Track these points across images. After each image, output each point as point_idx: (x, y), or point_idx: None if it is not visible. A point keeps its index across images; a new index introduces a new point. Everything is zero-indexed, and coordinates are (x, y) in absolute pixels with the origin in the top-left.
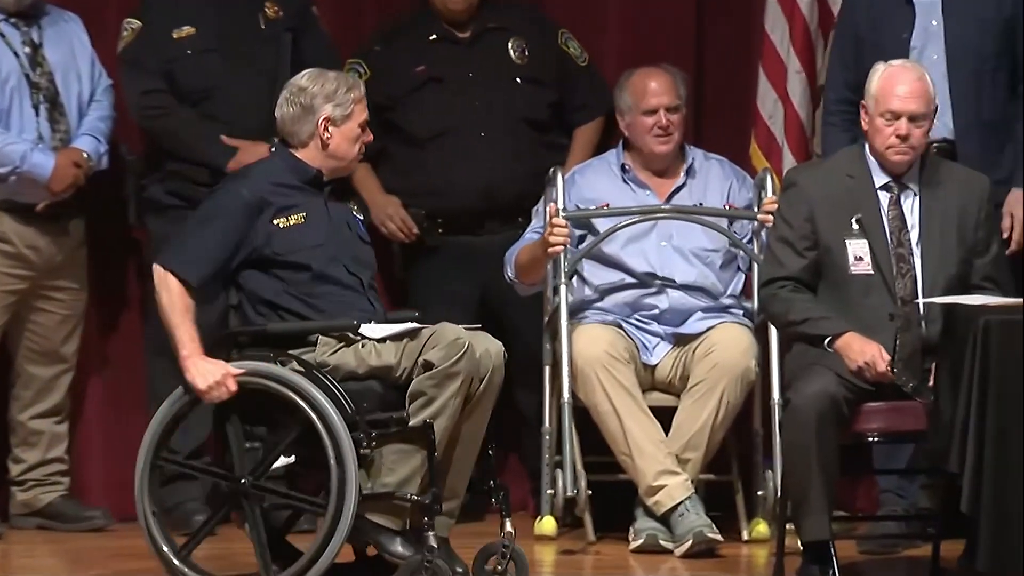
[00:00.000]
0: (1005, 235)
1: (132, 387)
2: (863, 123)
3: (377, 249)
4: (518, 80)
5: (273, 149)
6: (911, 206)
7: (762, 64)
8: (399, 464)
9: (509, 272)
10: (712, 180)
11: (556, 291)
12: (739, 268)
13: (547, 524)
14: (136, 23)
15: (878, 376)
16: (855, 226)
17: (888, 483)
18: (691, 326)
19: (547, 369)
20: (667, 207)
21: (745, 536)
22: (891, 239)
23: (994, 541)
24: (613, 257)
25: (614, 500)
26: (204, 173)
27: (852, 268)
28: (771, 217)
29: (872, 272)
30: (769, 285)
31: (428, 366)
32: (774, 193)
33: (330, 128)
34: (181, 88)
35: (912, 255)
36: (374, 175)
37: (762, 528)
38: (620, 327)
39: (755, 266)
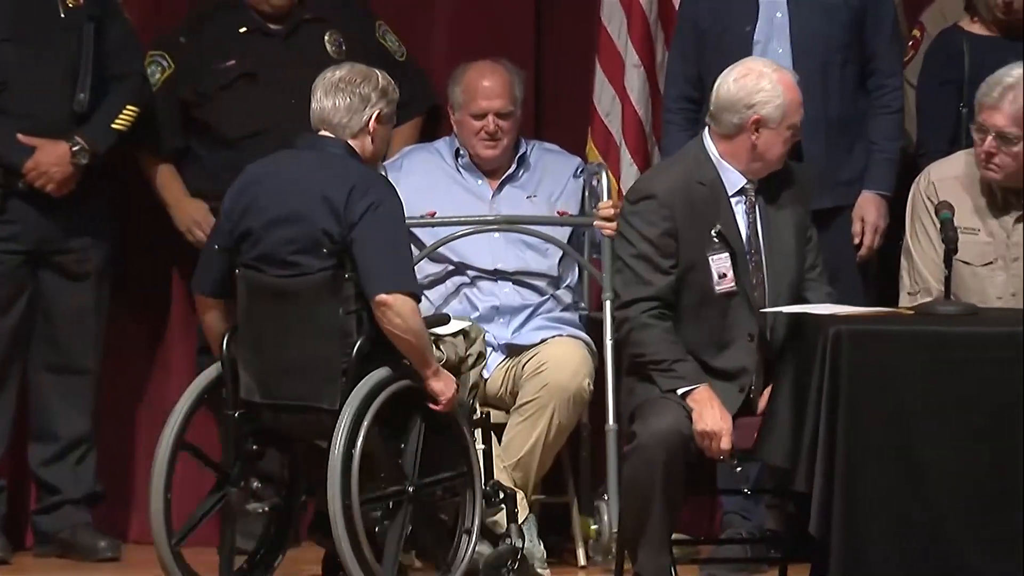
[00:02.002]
0: (856, 240)
1: None
2: (752, 137)
3: (186, 258)
4: None
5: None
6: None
7: (599, 58)
8: None
9: None
10: (548, 173)
11: None
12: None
13: None
14: None
15: (713, 451)
16: (716, 239)
17: (732, 504)
18: (525, 336)
19: None
20: (496, 217)
21: (582, 561)
22: (749, 248)
23: (844, 565)
24: (444, 254)
25: None
26: None
27: (717, 287)
28: (608, 225)
29: (735, 289)
30: (630, 306)
31: (481, 358)
32: (610, 195)
33: (377, 125)
34: None
35: (763, 264)
36: (179, 178)
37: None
38: None
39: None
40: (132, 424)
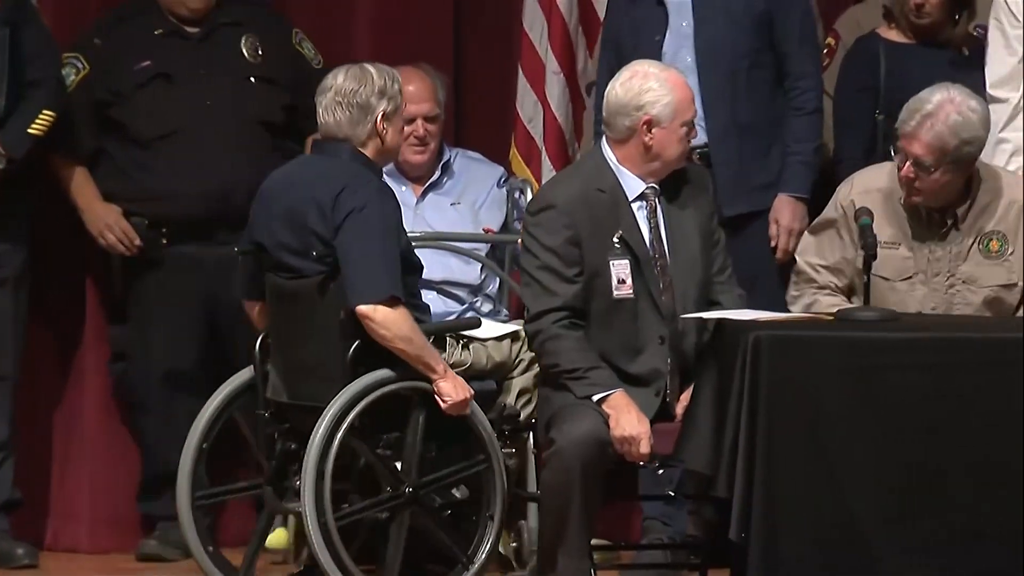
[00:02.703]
0: (773, 243)
1: None
2: (645, 138)
3: (95, 263)
4: (252, 79)
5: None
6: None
7: (521, 64)
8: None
9: None
10: (472, 181)
11: None
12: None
13: (279, 536)
14: None
15: (632, 455)
16: (617, 245)
17: (653, 510)
18: None
19: None
20: (422, 234)
21: None
22: (653, 252)
23: (764, 570)
24: None
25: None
26: None
27: (616, 291)
28: None
29: (632, 295)
30: (541, 318)
31: (533, 362)
32: None
33: (385, 123)
34: None
35: (668, 267)
36: (91, 180)
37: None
38: None
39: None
40: (48, 431)
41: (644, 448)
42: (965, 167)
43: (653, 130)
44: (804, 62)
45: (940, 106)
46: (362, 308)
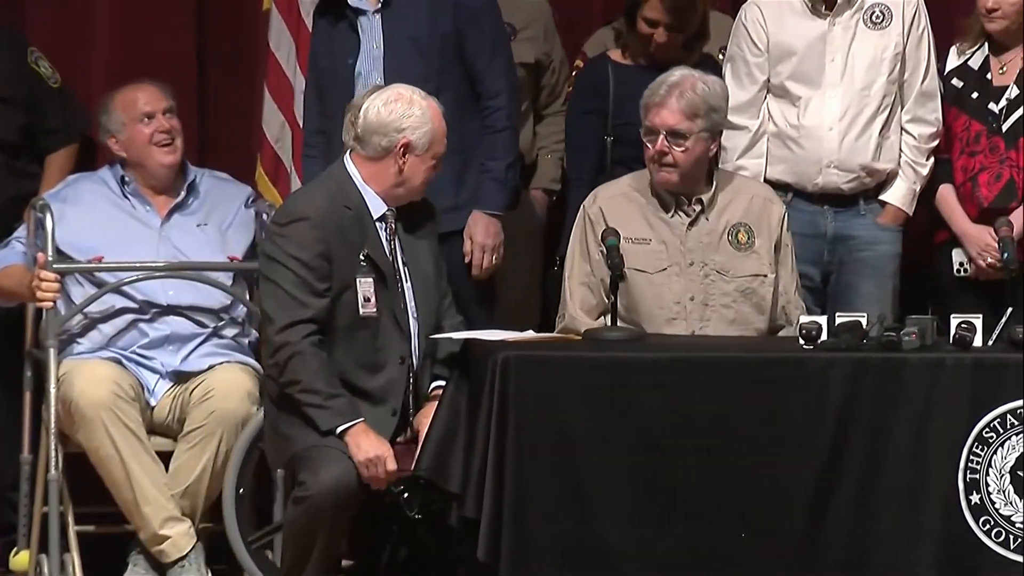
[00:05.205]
0: (467, 260)
1: None
2: (399, 161)
3: None
4: None
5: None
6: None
7: (267, 84)
8: None
9: None
10: (219, 201)
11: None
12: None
13: (24, 559)
14: None
15: (379, 474)
16: (363, 263)
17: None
18: (192, 363)
19: (28, 395)
20: (164, 264)
21: None
22: (394, 272)
23: None
24: (108, 280)
25: (110, 548)
26: None
27: (362, 309)
28: None
29: (376, 314)
30: (289, 329)
31: None
32: None
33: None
34: None
35: (407, 288)
36: None
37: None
38: (121, 363)
39: None
40: None
41: (390, 466)
42: (712, 139)
43: (407, 155)
44: (496, 80)
45: (684, 78)
46: None
